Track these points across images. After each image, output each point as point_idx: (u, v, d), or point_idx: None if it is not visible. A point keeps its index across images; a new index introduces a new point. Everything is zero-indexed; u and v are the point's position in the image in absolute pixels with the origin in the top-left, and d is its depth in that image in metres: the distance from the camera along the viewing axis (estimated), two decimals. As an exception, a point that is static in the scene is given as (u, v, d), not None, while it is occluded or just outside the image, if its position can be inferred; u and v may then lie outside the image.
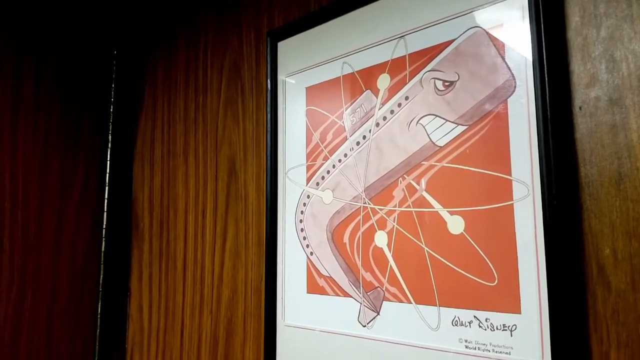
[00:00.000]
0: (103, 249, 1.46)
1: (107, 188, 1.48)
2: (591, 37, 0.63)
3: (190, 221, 1.30)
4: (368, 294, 0.83)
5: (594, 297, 0.61)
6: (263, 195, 1.08)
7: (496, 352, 0.67)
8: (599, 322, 0.61)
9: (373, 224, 0.83)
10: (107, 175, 1.49)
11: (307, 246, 0.95)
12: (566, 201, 0.63)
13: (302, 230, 0.96)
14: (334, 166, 0.91)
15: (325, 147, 0.93)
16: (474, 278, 0.70)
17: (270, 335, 0.99)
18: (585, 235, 0.63)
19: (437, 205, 0.76)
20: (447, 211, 0.74)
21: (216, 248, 1.22)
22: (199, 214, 1.28)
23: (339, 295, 0.88)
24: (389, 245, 0.81)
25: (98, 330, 1.43)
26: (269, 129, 1.03)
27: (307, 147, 0.96)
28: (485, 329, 0.69)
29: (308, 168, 0.96)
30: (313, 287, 0.92)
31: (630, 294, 0.59)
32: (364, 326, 0.83)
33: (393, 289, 0.80)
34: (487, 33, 0.72)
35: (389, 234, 0.81)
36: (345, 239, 0.88)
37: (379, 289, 0.82)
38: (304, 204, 0.96)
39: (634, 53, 0.60)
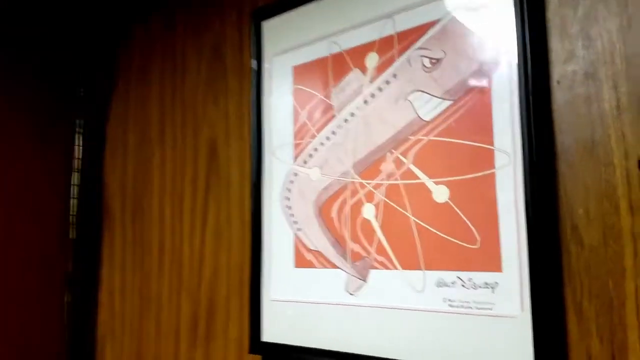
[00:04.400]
0: (73, 237, 1.43)
1: (76, 174, 1.45)
2: (569, 16, 0.70)
3: (166, 204, 1.30)
4: (356, 263, 0.87)
5: (569, 254, 0.67)
6: (247, 175, 1.10)
7: (478, 308, 0.72)
8: (572, 276, 0.67)
9: (361, 197, 0.87)
10: (76, 161, 1.46)
11: (295, 222, 0.97)
12: (545, 168, 0.69)
13: (289, 207, 0.99)
14: (322, 143, 0.94)
15: (312, 125, 0.96)
16: (458, 242, 0.75)
17: (256, 311, 1.01)
18: (561, 197, 0.69)
19: (423, 177, 0.80)
20: (433, 182, 0.79)
21: (195, 230, 1.22)
22: (176, 196, 1.28)
23: (327, 267, 0.91)
24: (376, 216, 0.85)
25: (68, 319, 1.40)
26: (254, 109, 1.05)
27: (294, 125, 0.99)
28: (468, 288, 0.74)
29: (295, 146, 0.99)
30: (301, 262, 0.95)
31: (601, 249, 0.65)
32: (351, 294, 0.87)
33: (380, 258, 0.84)
34: (473, 12, 0.77)
35: (377, 206, 0.85)
36: (333, 213, 0.91)
37: (366, 258, 0.86)
38: (291, 182, 0.99)
39: (607, 31, 0.67)
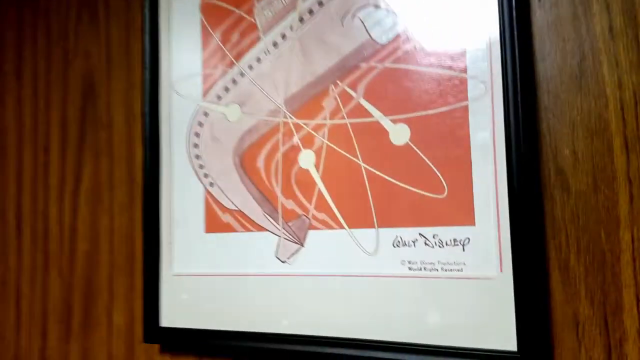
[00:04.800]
0: None
1: None
2: None
3: (26, 160, 1.02)
4: (289, 224, 0.70)
5: (552, 202, 0.57)
6: (137, 118, 0.87)
7: (445, 270, 0.60)
8: (557, 228, 0.57)
9: (297, 142, 0.70)
10: None
11: (206, 176, 0.77)
12: (527, 99, 0.58)
13: (197, 157, 0.78)
14: (242, 74, 0.74)
15: (229, 51, 0.75)
16: (420, 192, 0.62)
17: (152, 290, 0.79)
18: (543, 136, 0.58)
19: (377, 114, 0.65)
20: (390, 119, 0.64)
21: (66, 192, 0.97)
22: (40, 150, 1.01)
23: (251, 231, 0.72)
24: (317, 165, 0.68)
25: None
26: (147, 30, 0.81)
27: (203, 51, 0.77)
28: (433, 246, 0.61)
29: (205, 78, 0.77)
30: (214, 225, 0.75)
31: (591, 195, 0.56)
32: (284, 262, 0.70)
33: (321, 216, 0.68)
34: None
35: (317, 152, 0.68)
36: (260, 163, 0.72)
37: (303, 217, 0.69)
38: (200, 124, 0.77)
39: (600, -63, 0.56)
